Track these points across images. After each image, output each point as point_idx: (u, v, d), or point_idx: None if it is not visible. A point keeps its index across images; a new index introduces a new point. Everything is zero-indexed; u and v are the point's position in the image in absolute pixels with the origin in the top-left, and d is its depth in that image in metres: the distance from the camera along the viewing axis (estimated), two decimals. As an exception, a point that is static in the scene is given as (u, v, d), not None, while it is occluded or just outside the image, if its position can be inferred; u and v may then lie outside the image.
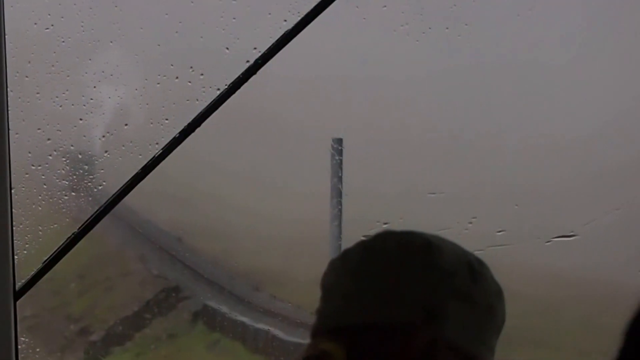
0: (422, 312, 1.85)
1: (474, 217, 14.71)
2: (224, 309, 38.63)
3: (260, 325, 37.11)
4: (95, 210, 3.20)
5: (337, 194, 9.21)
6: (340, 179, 9.12)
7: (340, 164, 9.30)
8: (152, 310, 39.69)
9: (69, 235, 3.38)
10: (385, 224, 14.28)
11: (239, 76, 3.44)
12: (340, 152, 9.35)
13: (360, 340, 1.89)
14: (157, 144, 3.23)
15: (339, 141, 9.40)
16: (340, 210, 9.06)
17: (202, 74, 5.34)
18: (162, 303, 40.27)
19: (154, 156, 3.23)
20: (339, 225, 9.17)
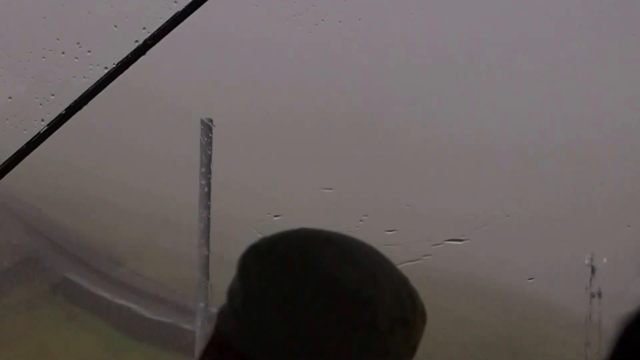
0: None
1: (365, 215, 15.01)
2: (84, 282, 37.95)
3: (121, 301, 36.68)
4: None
5: (206, 173, 9.29)
6: (209, 157, 9.20)
7: (209, 143, 9.36)
8: (9, 280, 38.59)
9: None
10: (276, 216, 14.49)
11: (127, 55, 3.50)
12: (209, 131, 9.43)
13: None
14: (42, 120, 3.33)
15: (209, 121, 9.47)
16: (209, 191, 9.13)
17: (89, 51, 5.36)
18: (20, 273, 39.23)
19: (39, 132, 3.31)
20: (208, 206, 9.24)
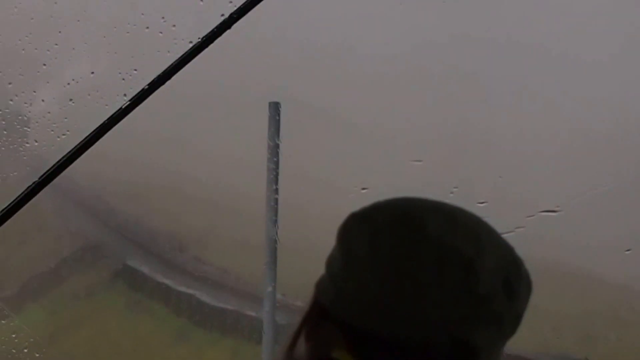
0: (448, 338, 1.77)
1: (455, 187, 14.87)
2: (145, 269, 38.27)
3: (183, 288, 36.95)
4: (58, 159, 3.27)
5: (274, 156, 9.26)
6: (277, 142, 9.19)
7: (277, 126, 9.34)
8: (69, 267, 39.04)
9: (29, 184, 3.37)
10: (363, 189, 14.48)
11: (212, 30, 3.44)
12: (277, 114, 9.40)
13: (371, 352, 1.79)
14: (125, 95, 3.30)
15: (276, 105, 9.43)
16: (276, 176, 9.13)
17: (174, 25, 5.34)
18: (80, 260, 39.67)
19: (120, 107, 3.29)
20: (276, 190, 9.22)
